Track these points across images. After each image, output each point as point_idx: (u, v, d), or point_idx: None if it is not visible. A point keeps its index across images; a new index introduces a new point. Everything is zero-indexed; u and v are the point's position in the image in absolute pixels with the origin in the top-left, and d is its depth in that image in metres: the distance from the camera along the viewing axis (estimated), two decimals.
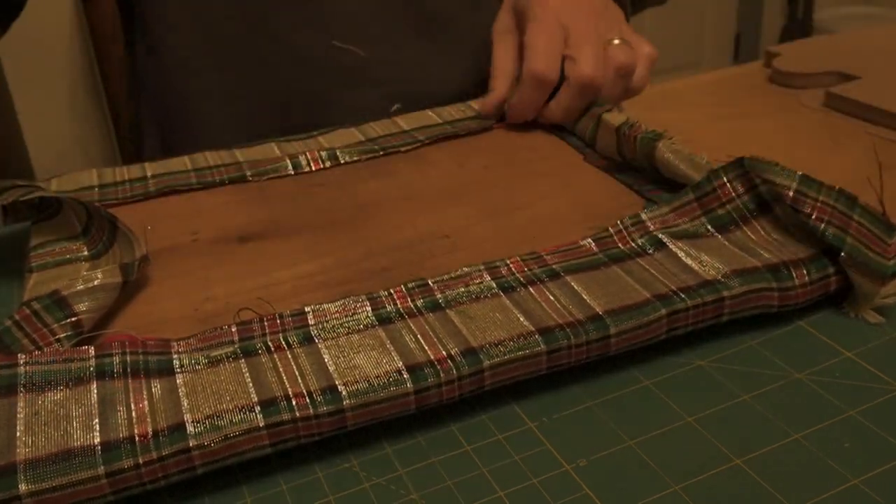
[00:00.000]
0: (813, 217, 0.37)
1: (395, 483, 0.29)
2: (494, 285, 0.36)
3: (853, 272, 0.36)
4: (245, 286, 0.40)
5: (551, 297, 0.35)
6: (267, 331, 0.34)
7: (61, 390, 0.30)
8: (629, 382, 0.34)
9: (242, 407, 0.30)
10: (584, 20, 0.54)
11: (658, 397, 0.33)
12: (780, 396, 0.32)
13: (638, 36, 0.57)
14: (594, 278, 0.36)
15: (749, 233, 0.39)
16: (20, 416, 0.29)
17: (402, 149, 0.54)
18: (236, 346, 0.33)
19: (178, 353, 0.33)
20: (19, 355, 0.31)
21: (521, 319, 0.34)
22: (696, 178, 0.42)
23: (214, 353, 0.32)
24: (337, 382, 0.31)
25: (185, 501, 0.29)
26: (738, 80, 0.65)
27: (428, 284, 0.36)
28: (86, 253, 0.42)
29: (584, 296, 0.35)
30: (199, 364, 0.32)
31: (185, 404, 0.30)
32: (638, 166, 0.49)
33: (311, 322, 0.34)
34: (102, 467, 0.28)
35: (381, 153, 0.53)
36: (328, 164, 0.52)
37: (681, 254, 0.38)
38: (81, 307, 0.36)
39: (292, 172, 0.52)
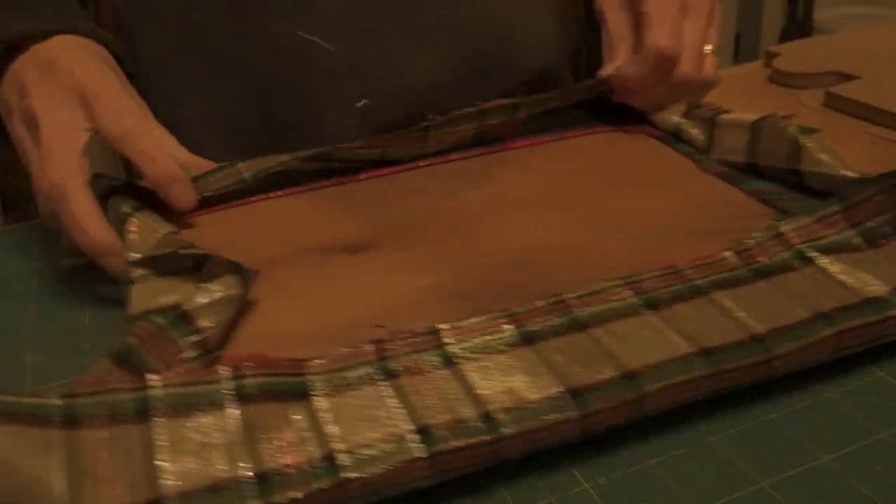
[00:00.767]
0: None
1: None
2: (637, 301, 0.34)
3: None
4: (363, 300, 0.38)
5: (703, 315, 0.33)
6: (403, 350, 0.32)
7: (199, 415, 0.28)
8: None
9: (396, 435, 0.28)
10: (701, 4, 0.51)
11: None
12: None
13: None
14: (744, 294, 0.34)
15: None
16: (159, 443, 0.27)
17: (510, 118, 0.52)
18: (374, 366, 0.31)
19: (312, 373, 0.31)
20: (149, 377, 0.29)
21: (678, 339, 0.32)
22: (846, 183, 0.40)
23: (351, 374, 0.31)
24: (493, 408, 0.29)
25: None
26: (738, 80, 0.65)
27: (565, 300, 0.34)
28: (189, 263, 0.39)
29: (738, 313, 0.33)
30: (337, 386, 0.30)
31: (332, 432, 0.28)
32: (768, 170, 0.46)
33: (448, 341, 0.32)
34: (256, 502, 0.26)
35: (492, 123, 0.51)
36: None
37: (832, 269, 0.35)
38: (205, 322, 0.34)
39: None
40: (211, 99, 0.62)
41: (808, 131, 0.44)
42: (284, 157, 0.48)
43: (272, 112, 0.61)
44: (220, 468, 0.27)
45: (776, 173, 0.45)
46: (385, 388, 0.30)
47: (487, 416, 0.28)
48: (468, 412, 0.29)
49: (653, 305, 0.34)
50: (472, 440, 0.28)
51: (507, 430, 0.28)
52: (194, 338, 0.33)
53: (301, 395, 0.30)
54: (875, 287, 0.34)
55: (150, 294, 0.37)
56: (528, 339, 0.32)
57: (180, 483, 0.26)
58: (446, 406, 0.29)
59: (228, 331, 0.36)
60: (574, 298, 0.34)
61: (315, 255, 0.42)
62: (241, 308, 0.37)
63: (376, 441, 0.28)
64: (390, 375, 0.31)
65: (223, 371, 0.30)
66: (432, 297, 0.38)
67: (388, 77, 0.61)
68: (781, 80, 0.63)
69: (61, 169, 0.40)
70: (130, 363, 0.32)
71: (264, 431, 0.28)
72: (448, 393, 0.30)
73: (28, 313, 0.42)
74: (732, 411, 0.31)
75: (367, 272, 0.40)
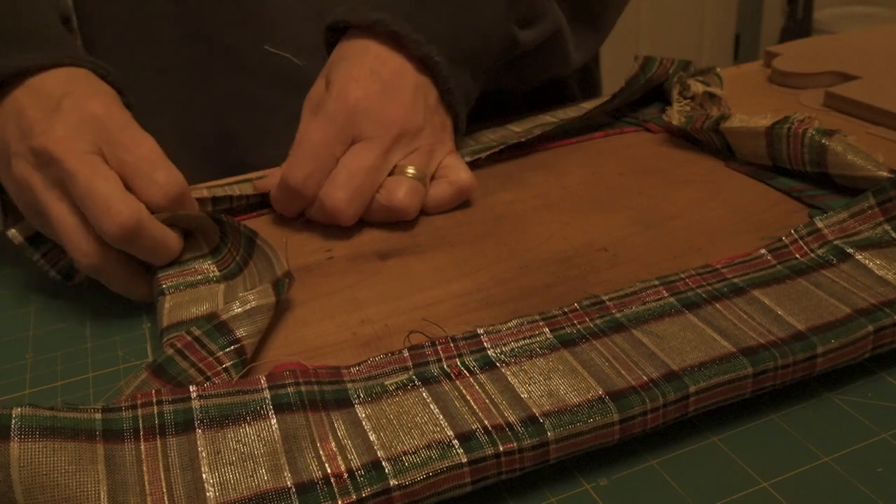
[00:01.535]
0: None
1: None
2: (676, 302, 0.34)
3: None
4: (399, 306, 0.38)
5: (743, 314, 0.33)
6: (441, 355, 0.32)
7: (241, 426, 0.28)
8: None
9: (439, 442, 0.28)
10: (381, 128, 0.44)
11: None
12: None
13: (456, 159, 0.48)
14: (783, 292, 0.34)
15: None
16: (202, 454, 0.27)
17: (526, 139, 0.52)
18: (411, 372, 0.31)
19: (351, 381, 0.31)
20: (190, 388, 0.29)
21: (719, 339, 0.31)
22: (878, 180, 0.40)
23: (390, 380, 0.31)
24: (535, 412, 0.28)
25: None
26: (737, 80, 0.65)
27: (603, 302, 0.34)
28: (217, 273, 0.40)
29: (778, 311, 0.33)
30: (377, 394, 0.30)
31: (374, 440, 0.28)
32: (792, 169, 0.45)
33: (487, 345, 0.32)
34: None
35: (500, 147, 0.51)
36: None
37: (871, 265, 0.35)
38: (242, 332, 0.34)
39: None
40: (168, 103, 0.61)
41: (829, 133, 0.43)
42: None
43: (230, 124, 0.60)
44: (262, 479, 0.27)
45: (804, 172, 0.45)
46: (425, 395, 0.30)
47: (531, 421, 0.28)
48: (511, 417, 0.28)
49: (691, 305, 0.33)
50: (516, 445, 0.27)
51: (552, 435, 0.28)
52: (231, 348, 0.33)
53: (342, 403, 0.30)
54: None
55: (182, 305, 0.38)
56: (566, 342, 0.32)
57: (223, 495, 0.26)
58: (488, 412, 0.29)
59: (264, 339, 0.36)
60: (611, 300, 0.34)
61: (346, 262, 0.42)
62: (277, 316, 0.37)
63: (420, 448, 0.27)
64: (429, 381, 0.30)
65: (263, 381, 0.30)
66: (468, 302, 0.38)
67: None
68: (781, 80, 0.63)
69: (122, 204, 0.38)
70: (169, 374, 0.32)
71: (306, 441, 0.28)
72: (489, 398, 0.29)
73: (29, 315, 0.42)
74: (733, 411, 0.31)
75: (401, 278, 0.40)
